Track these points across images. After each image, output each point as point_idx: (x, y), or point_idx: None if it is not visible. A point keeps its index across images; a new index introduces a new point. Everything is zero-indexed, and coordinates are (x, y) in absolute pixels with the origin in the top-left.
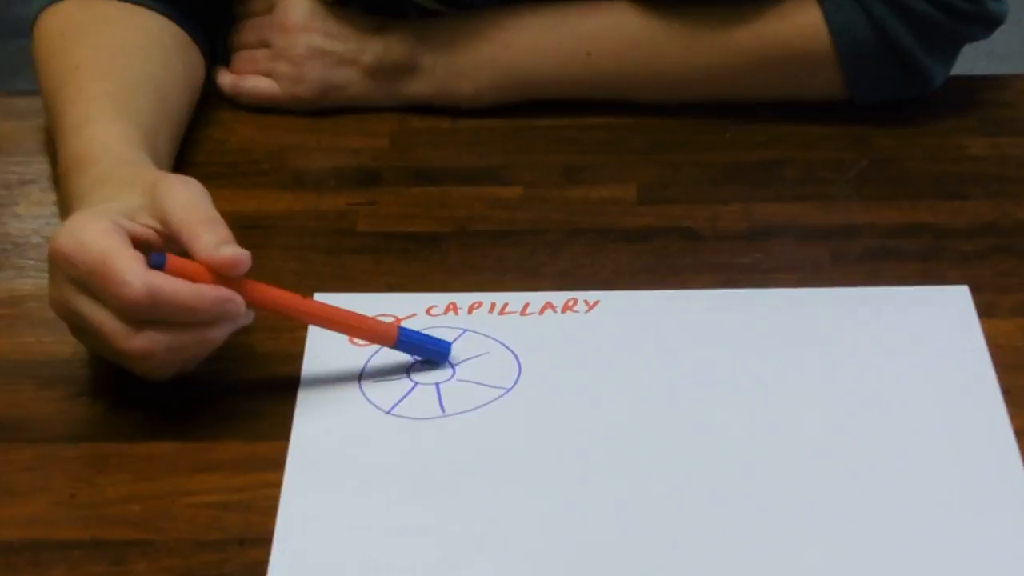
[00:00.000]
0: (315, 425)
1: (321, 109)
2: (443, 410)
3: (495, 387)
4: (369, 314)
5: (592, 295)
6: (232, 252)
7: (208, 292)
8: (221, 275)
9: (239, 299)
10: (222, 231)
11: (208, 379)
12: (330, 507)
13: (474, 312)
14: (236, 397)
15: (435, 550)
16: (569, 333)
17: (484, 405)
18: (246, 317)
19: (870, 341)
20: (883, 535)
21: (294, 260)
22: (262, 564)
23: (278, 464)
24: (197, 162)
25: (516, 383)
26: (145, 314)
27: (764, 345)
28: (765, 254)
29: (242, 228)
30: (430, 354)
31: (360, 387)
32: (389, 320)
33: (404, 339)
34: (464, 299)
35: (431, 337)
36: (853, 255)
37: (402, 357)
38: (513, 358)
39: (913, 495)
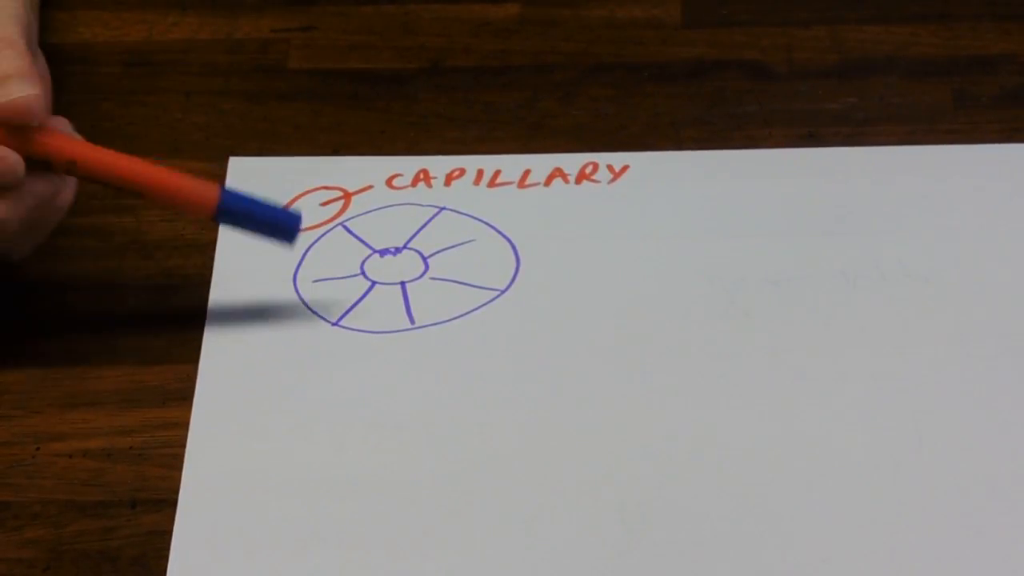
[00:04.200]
0: (232, 343)
1: None
2: (412, 320)
3: (483, 288)
4: (309, 186)
5: (619, 157)
6: (19, 94)
7: None
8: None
9: (11, 156)
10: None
11: (81, 278)
12: (255, 456)
13: (454, 183)
14: (122, 305)
15: (397, 515)
16: (586, 211)
17: (468, 313)
18: (49, 186)
19: (1013, 224)
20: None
21: (199, 111)
22: (162, 534)
23: (182, 397)
24: None
25: (512, 283)
26: None
27: (862, 229)
28: (861, 98)
29: (126, 65)
30: (267, 229)
31: (296, 288)
32: (336, 193)
33: (227, 207)
34: (440, 164)
35: (267, 205)
36: (985, 98)
37: (354, 245)
38: (508, 248)
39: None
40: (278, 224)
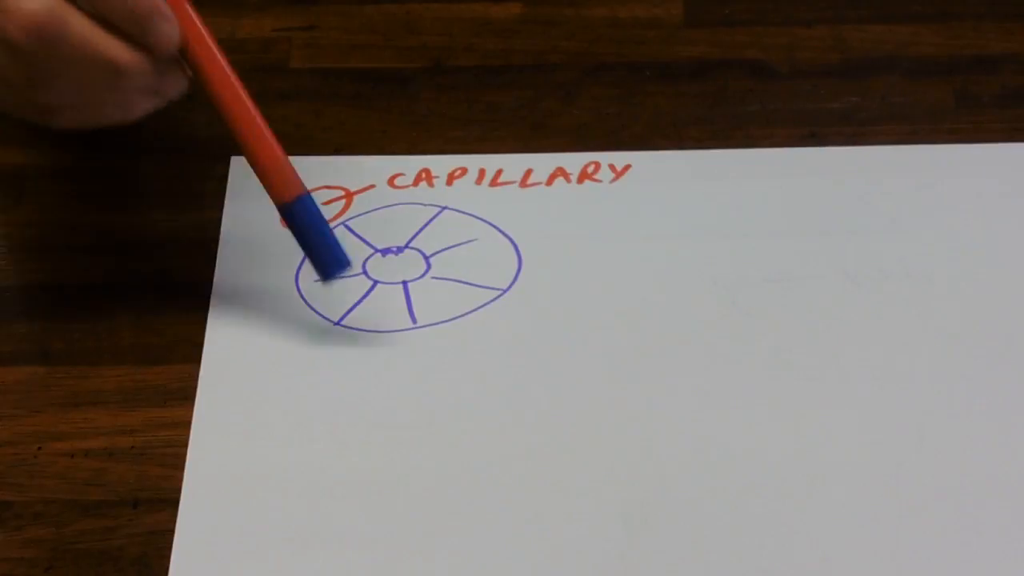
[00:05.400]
0: (233, 343)
1: None
2: (414, 320)
3: (485, 288)
4: (311, 186)
5: (621, 157)
6: None
7: None
8: None
9: (174, 23)
10: None
11: (82, 278)
12: (256, 456)
13: (456, 182)
14: (123, 304)
15: (399, 514)
16: (588, 211)
17: (470, 313)
18: (176, 81)
19: (1015, 223)
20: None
21: (201, 110)
22: (163, 533)
23: (183, 396)
24: None
25: (514, 282)
26: None
27: (863, 228)
28: (863, 97)
29: None
30: (315, 253)
31: (298, 287)
32: (337, 192)
33: (299, 212)
34: (442, 164)
35: (330, 232)
36: (987, 97)
37: (356, 245)
38: (510, 247)
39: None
40: (323, 258)
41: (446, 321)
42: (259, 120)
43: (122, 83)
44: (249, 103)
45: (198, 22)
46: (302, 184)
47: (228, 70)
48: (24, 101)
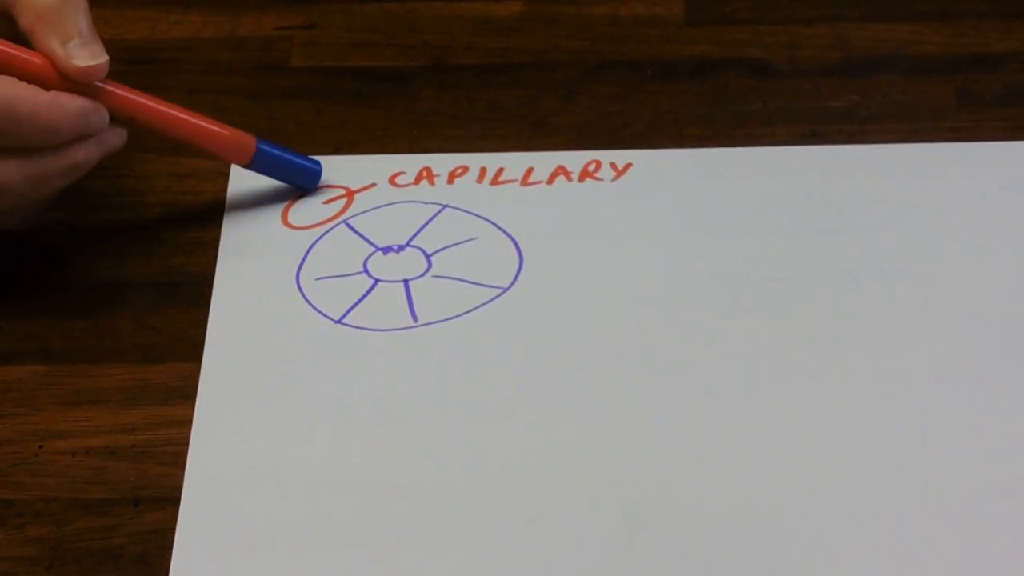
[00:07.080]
0: (234, 341)
1: None
2: (415, 318)
3: (486, 286)
4: (314, 184)
5: (622, 155)
6: (87, 60)
7: (67, 103)
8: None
9: (102, 109)
10: (69, 26)
11: (84, 277)
12: (257, 454)
13: (457, 181)
14: (124, 303)
15: (400, 513)
16: (589, 209)
17: (471, 311)
18: (117, 136)
19: (1016, 222)
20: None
21: (202, 108)
22: (164, 532)
23: (185, 395)
24: None
25: (515, 281)
26: None
27: (864, 226)
28: (864, 95)
29: (129, 63)
30: (292, 176)
31: (299, 286)
32: (339, 191)
33: (261, 157)
34: (443, 162)
35: (296, 154)
36: (988, 96)
37: (357, 243)
38: (511, 246)
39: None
40: (302, 172)
41: (447, 320)
42: (191, 116)
43: (78, 175)
44: (175, 109)
45: (105, 85)
46: (251, 138)
47: (146, 98)
48: None
